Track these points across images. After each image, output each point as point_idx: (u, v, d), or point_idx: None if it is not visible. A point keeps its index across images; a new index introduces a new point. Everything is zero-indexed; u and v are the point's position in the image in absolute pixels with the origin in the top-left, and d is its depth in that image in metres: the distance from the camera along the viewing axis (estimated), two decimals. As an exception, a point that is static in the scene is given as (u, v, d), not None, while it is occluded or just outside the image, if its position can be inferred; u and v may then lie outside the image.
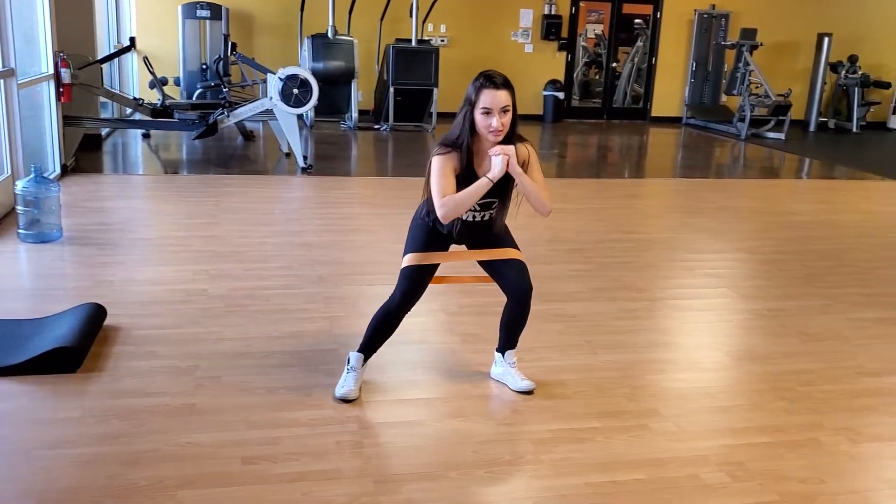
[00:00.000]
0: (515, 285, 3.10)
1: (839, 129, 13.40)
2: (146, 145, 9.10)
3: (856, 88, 13.13)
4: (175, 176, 7.60)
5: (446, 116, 11.42)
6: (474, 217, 3.04)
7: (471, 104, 2.85)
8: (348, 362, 3.17)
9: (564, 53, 13.00)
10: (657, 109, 13.57)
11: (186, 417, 2.90)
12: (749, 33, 12.48)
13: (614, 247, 5.54)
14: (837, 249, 5.79)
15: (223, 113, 7.98)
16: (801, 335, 4.04)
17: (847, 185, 8.70)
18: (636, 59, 13.69)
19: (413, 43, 10.83)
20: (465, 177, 2.90)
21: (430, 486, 2.55)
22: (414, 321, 3.97)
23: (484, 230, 3.10)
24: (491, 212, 3.06)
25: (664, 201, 7.71)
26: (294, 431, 2.83)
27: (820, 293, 4.72)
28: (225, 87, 9.06)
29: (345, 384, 3.12)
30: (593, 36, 14.56)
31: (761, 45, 12.41)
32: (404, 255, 3.11)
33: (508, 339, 3.26)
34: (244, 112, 8.06)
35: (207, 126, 7.85)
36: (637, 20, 13.55)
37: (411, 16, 10.84)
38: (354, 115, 10.81)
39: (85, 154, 7.87)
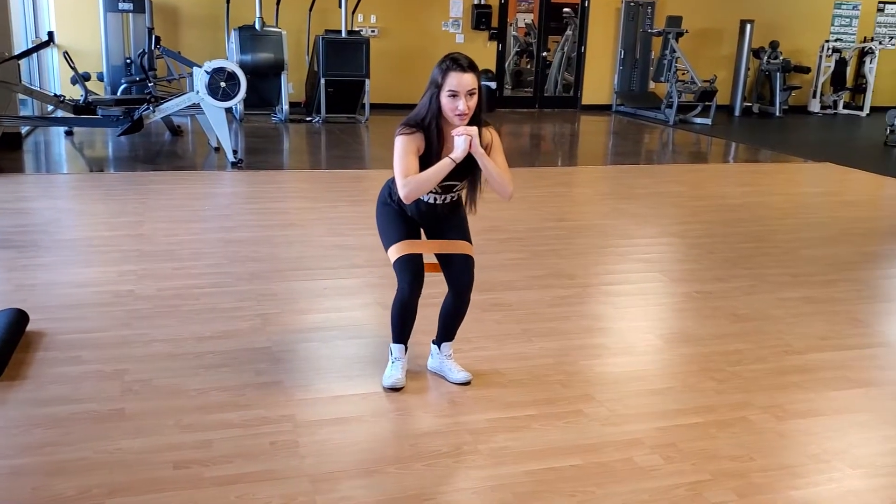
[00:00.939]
0: (458, 277, 3.13)
1: (763, 113, 13.76)
2: (69, 143, 8.82)
3: (777, 73, 13.49)
4: (100, 174, 7.39)
5: (379, 108, 11.38)
6: (436, 199, 3.05)
7: (437, 86, 2.87)
8: (391, 353, 3.20)
9: (495, 43, 13.03)
10: (588, 97, 13.73)
11: (115, 423, 2.82)
12: (674, 21, 12.70)
13: (548, 234, 5.59)
14: (763, 231, 5.94)
15: (149, 108, 7.78)
16: (731, 316, 4.13)
17: (771, 168, 8.94)
18: (566, 48, 13.82)
19: (343, 34, 10.73)
20: (430, 157, 2.92)
21: (368, 483, 2.53)
22: (349, 315, 3.96)
23: (447, 214, 3.12)
24: (453, 195, 3.07)
25: (596, 188, 7.81)
26: (227, 433, 2.77)
27: (747, 274, 4.84)
28: (150, 82, 8.83)
29: (392, 374, 3.16)
30: (523, 25, 14.67)
31: (686, 32, 12.65)
32: (386, 247, 3.11)
33: (446, 331, 3.26)
34: (171, 107, 7.88)
35: (133, 122, 7.65)
36: (566, 9, 13.66)
37: (340, 7, 10.73)
38: (285, 107, 10.66)
39: (4, 154, 7.59)
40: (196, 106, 7.80)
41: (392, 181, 3.04)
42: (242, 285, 4.30)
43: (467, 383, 3.22)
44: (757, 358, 3.61)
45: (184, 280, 4.33)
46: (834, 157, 9.33)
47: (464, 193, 3.10)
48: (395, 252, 3.07)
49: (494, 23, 12.90)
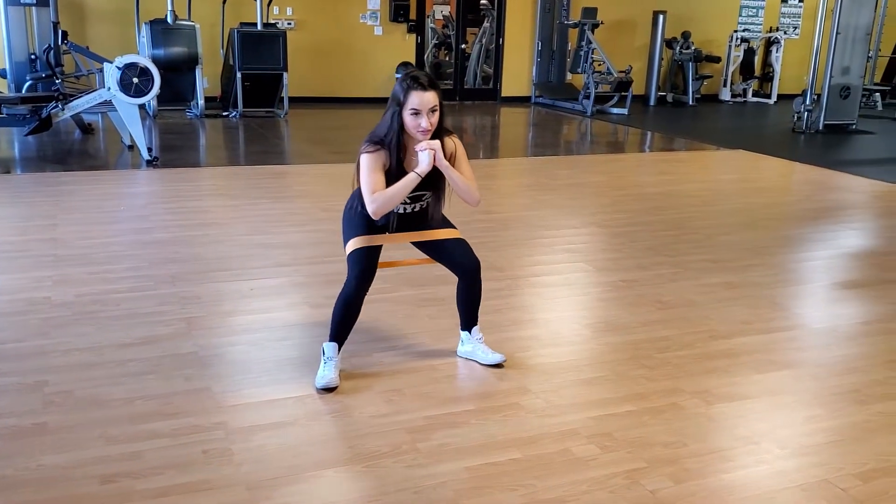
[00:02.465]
0: (463, 263, 3.24)
1: (677, 103, 14.11)
2: (-29, 143, 8.41)
3: (689, 63, 13.85)
4: (7, 176, 7.06)
5: (299, 101, 11.23)
6: (405, 210, 3.15)
7: (399, 105, 2.95)
8: (324, 353, 3.15)
9: (414, 35, 12.99)
10: (507, 89, 13.83)
11: (37, 438, 2.69)
12: (590, 12, 12.89)
13: (476, 227, 5.58)
14: (682, 218, 6.08)
15: (57, 106, 7.48)
16: (656, 303, 4.21)
17: (686, 156, 9.17)
18: (484, 40, 13.88)
19: (258, 27, 10.52)
20: (395, 172, 3.01)
21: (306, 488, 2.48)
22: (276, 316, 3.88)
23: (418, 221, 3.20)
24: (422, 203, 3.16)
25: (519, 180, 7.87)
26: (156, 443, 2.68)
27: (670, 262, 4.95)
28: (58, 79, 8.49)
29: (325, 375, 3.11)
30: (441, 17, 14.65)
31: (602, 23, 12.86)
32: (345, 244, 3.14)
33: (469, 316, 3.36)
34: (80, 104, 7.59)
35: (41, 120, 7.34)
36: (483, 1, 13.71)
37: (255, -1, 10.52)
38: (201, 102, 10.41)
39: None
40: (108, 103, 7.54)
41: (355, 195, 3.12)
42: (164, 288, 4.17)
43: (501, 365, 3.32)
44: (684, 344, 3.69)
45: (102, 285, 4.17)
46: (746, 144, 9.64)
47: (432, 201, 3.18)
48: (352, 245, 3.12)
49: (412, 15, 12.86)
